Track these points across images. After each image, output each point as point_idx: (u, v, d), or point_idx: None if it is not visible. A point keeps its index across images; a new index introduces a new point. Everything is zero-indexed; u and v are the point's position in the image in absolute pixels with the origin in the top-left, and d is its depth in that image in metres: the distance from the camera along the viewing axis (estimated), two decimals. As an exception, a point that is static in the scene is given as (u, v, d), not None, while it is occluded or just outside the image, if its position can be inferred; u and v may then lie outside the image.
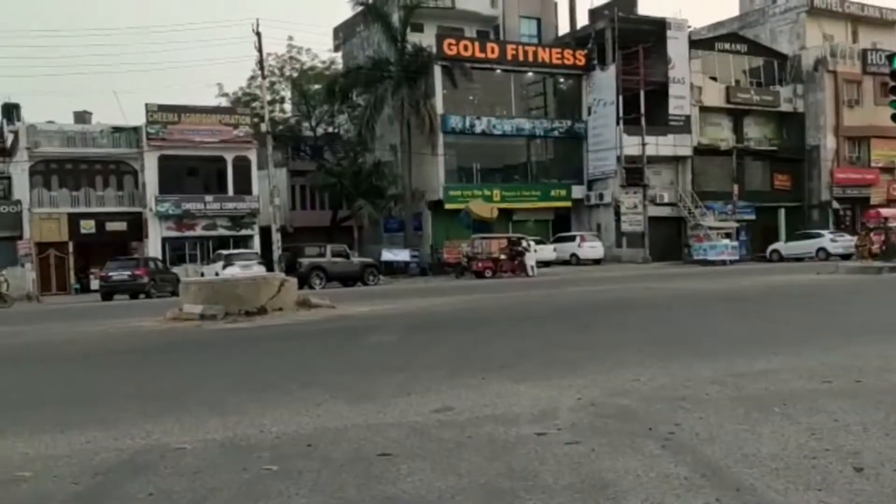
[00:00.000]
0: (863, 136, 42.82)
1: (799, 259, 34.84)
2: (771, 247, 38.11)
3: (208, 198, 37.03)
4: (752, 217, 40.33)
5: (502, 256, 29.49)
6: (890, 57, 28.13)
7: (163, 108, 36.75)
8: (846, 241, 34.63)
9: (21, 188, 36.22)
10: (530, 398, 5.79)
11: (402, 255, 35.74)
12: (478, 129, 38.42)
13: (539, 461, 4.15)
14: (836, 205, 42.72)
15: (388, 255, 35.29)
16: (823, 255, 34.23)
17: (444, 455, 4.34)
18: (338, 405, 5.84)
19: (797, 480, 3.66)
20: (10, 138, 38.39)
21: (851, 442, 4.28)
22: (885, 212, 34.25)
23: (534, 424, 4.94)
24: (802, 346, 7.98)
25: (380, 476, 4.00)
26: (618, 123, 37.65)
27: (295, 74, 44.91)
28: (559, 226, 39.88)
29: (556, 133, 40.54)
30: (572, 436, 4.62)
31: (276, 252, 31.40)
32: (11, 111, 39.68)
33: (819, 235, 36.37)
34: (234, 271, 24.55)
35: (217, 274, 24.24)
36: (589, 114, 40.33)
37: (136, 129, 37.16)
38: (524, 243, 30.10)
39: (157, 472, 4.17)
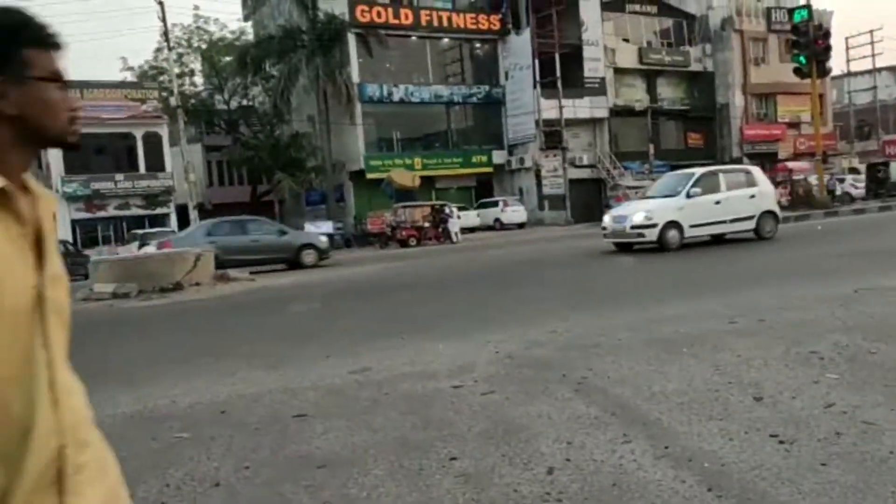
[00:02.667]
0: (769, 92, 44.30)
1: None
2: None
3: (119, 176, 35.58)
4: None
5: (426, 224, 29.46)
6: (791, 11, 29.12)
7: (65, 84, 35.02)
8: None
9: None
10: (448, 355, 5.82)
11: (326, 228, 35.24)
12: (396, 98, 38.03)
13: (454, 412, 4.18)
14: (746, 161, 44.20)
15: (311, 227, 34.77)
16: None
17: (359, 413, 4.33)
18: (255, 373, 5.74)
19: (700, 412, 3.79)
20: None
21: (753, 375, 4.46)
22: (791, 165, 35.72)
23: (451, 379, 4.97)
24: (710, 292, 8.27)
25: (295, 436, 3.96)
26: (535, 87, 37.85)
27: (204, 46, 43.36)
28: (482, 192, 40.04)
29: (474, 99, 40.51)
30: (488, 387, 4.67)
31: (194, 229, 30.55)
32: None
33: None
34: (150, 251, 23.79)
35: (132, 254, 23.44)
36: (506, 79, 40.42)
37: (36, 107, 35.33)
38: (447, 210, 30.15)
39: (60, 449, 4.02)
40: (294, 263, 18.35)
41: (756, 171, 16.18)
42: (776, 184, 35.21)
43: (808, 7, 25.89)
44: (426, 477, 3.18)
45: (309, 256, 18.59)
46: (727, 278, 9.68)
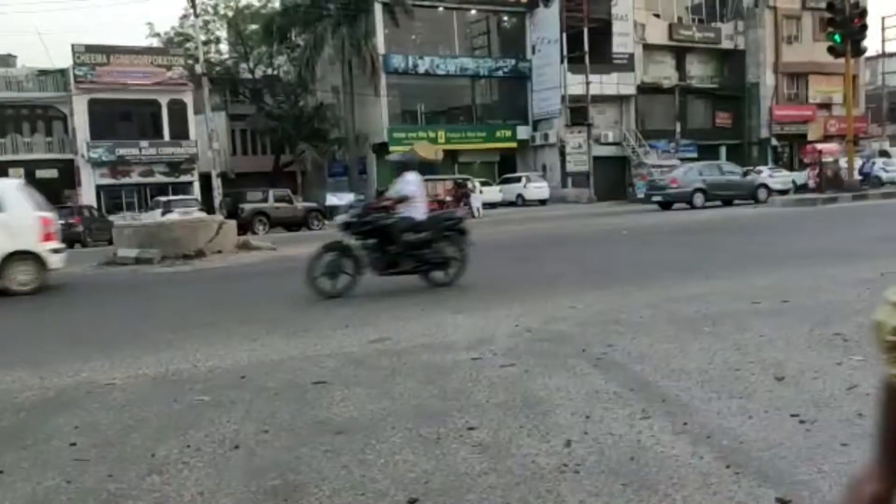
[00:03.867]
0: (801, 72, 43.45)
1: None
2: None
3: (143, 143, 35.77)
4: (695, 155, 40.77)
5: (448, 198, 29.39)
6: (827, -10, 28.40)
7: (91, 49, 35.09)
8: (784, 177, 35.42)
9: (-57, 136, 34.54)
10: (468, 327, 5.82)
11: (347, 199, 35.23)
12: (421, 69, 37.79)
13: (473, 383, 4.19)
14: (774, 141, 43.53)
15: (332, 199, 34.77)
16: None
17: (378, 381, 4.35)
18: (274, 339, 5.79)
19: (721, 390, 3.77)
20: (-72, 84, 36.35)
21: (774, 355, 4.42)
22: (821, 147, 35.09)
23: (470, 350, 4.98)
24: (735, 271, 8.18)
25: (313, 402, 3.99)
26: (562, 62, 37.41)
27: (230, 13, 43.31)
28: (505, 167, 39.83)
29: (500, 73, 40.13)
30: (507, 359, 4.67)
31: (217, 198, 30.73)
32: (-71, 55, 37.56)
33: (757, 172, 37.07)
34: (172, 218, 23.98)
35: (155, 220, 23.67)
36: (533, 53, 39.97)
37: (63, 72, 35.49)
38: (470, 185, 30.04)
39: (84, 407, 4.08)
40: (754, 199, 23.68)
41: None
42: (806, 165, 34.79)
43: (844, -16, 25.26)
44: (443, 445, 3.19)
45: (762, 194, 24.33)
46: (752, 259, 9.57)
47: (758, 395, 3.65)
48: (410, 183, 8.40)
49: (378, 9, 36.21)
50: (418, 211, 8.39)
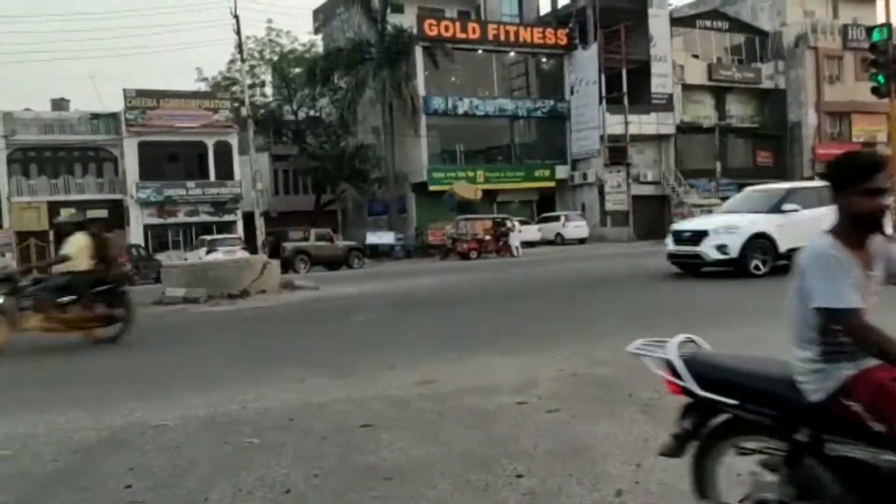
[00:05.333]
0: (844, 111, 42.97)
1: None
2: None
3: (190, 184, 36.67)
4: (736, 194, 40.53)
5: (487, 237, 29.47)
6: (870, 30, 28.18)
7: (141, 94, 36.29)
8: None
9: (-1, 177, 35.78)
10: (512, 370, 5.81)
11: (387, 238, 35.63)
12: (460, 110, 38.22)
13: (519, 428, 4.18)
14: (817, 181, 43.05)
15: (372, 238, 35.19)
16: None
17: (424, 425, 4.36)
18: (320, 381, 5.84)
19: (773, 440, 3.70)
20: (-14, 127, 37.83)
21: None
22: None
23: (515, 395, 4.97)
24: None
25: (361, 446, 4.01)
26: (600, 102, 37.56)
27: (275, 58, 44.41)
28: (543, 206, 39.84)
29: (538, 113, 40.40)
30: (553, 404, 4.65)
31: (260, 237, 31.24)
32: (-13, 99, 39.09)
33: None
34: (217, 257, 24.41)
35: (200, 259, 24.14)
36: (571, 93, 40.18)
37: (114, 116, 36.69)
38: (508, 224, 30.10)
39: (138, 448, 4.16)
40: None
41: None
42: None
43: (888, 26, 25.06)
44: (493, 493, 3.19)
45: None
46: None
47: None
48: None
49: (418, 52, 36.84)
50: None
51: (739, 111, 43.03)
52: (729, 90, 42.22)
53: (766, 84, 42.77)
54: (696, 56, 41.01)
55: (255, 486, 3.42)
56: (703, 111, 41.53)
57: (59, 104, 40.65)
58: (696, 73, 40.74)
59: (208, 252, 26.99)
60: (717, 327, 7.32)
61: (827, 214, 2.43)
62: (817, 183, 12.04)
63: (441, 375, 5.72)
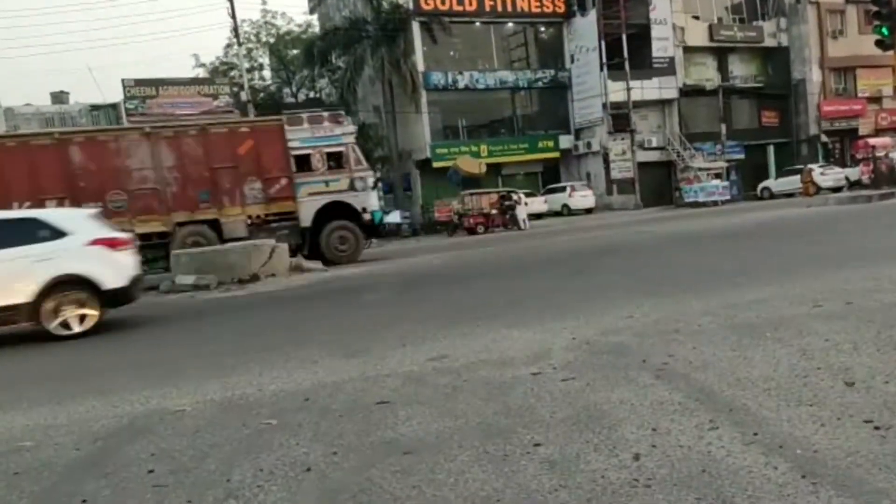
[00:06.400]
0: (848, 66, 42.48)
1: (790, 195, 34.88)
2: (761, 184, 38.05)
3: (194, 171, 36.75)
4: (742, 156, 40.19)
5: (493, 211, 29.41)
6: (871, -17, 27.80)
7: (140, 83, 36.19)
8: (836, 174, 34.64)
9: (4, 173, 35.81)
10: (524, 342, 5.83)
11: (393, 217, 35.62)
12: (461, 85, 38.01)
13: (535, 398, 4.19)
14: (824, 138, 42.56)
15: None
16: (815, 188, 34.17)
17: (440, 399, 4.38)
18: (334, 361, 5.87)
19: (789, 398, 3.71)
20: (-12, 123, 37.88)
21: (842, 359, 4.34)
22: (873, 141, 34.22)
23: (529, 365, 4.98)
24: (793, 275, 8.03)
25: (378, 423, 4.04)
26: (601, 70, 37.25)
27: (272, 40, 44.25)
28: (549, 177, 39.73)
29: (539, 84, 40.12)
30: (567, 373, 4.66)
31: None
32: (-13, 96, 39.12)
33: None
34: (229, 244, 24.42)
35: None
36: (572, 62, 39.87)
37: (114, 106, 36.66)
38: (515, 197, 30.01)
39: (158, 434, 4.21)
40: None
41: None
42: (857, 161, 33.91)
43: (890, -25, 24.70)
44: (511, 463, 3.21)
45: None
46: (808, 261, 9.37)
47: (828, 402, 3.59)
48: None
49: (416, 27, 36.55)
50: None
51: (742, 71, 42.59)
52: (731, 50, 41.78)
53: (769, 42, 42.29)
54: (696, 17, 40.54)
55: (275, 466, 3.45)
56: (706, 73, 41.14)
57: (59, 97, 40.67)
58: (697, 35, 40.29)
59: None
60: (729, 288, 7.32)
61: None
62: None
63: (454, 350, 5.74)
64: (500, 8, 38.28)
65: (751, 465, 2.91)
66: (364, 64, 37.08)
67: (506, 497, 2.86)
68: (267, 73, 45.85)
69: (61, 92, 41.01)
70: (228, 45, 41.46)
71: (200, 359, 6.63)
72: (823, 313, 5.69)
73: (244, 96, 33.22)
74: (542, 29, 40.93)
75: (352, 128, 19.32)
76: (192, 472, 3.49)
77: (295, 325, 8.55)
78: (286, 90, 44.07)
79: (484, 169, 33.56)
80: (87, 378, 6.32)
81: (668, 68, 38.93)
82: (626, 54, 36.51)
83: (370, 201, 18.66)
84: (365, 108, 39.91)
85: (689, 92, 39.70)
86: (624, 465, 3.05)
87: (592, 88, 38.19)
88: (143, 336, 9.04)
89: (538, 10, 39.32)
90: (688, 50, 40.10)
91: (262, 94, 42.28)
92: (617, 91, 37.16)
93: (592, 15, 37.83)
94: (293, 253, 16.06)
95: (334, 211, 18.04)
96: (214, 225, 17.07)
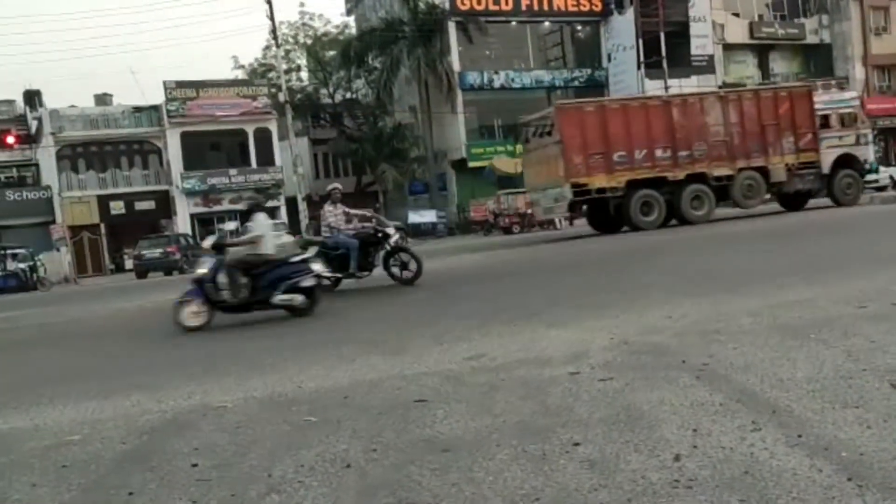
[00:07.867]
0: (892, 63, 41.58)
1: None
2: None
3: (232, 171, 37.24)
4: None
5: (529, 211, 29.37)
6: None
7: (181, 85, 36.88)
8: (881, 173, 33.89)
9: (49, 173, 36.76)
10: (562, 341, 5.81)
11: (429, 217, 35.77)
12: (496, 84, 38.00)
13: (573, 398, 4.18)
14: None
15: (414, 217, 35.34)
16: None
17: (478, 398, 4.39)
18: (372, 359, 5.91)
19: (834, 400, 3.65)
20: (34, 125, 38.84)
21: (889, 361, 4.24)
22: (919, 140, 33.36)
23: (567, 365, 4.96)
24: (837, 275, 7.87)
25: (417, 420, 4.06)
26: (639, 68, 36.96)
27: (309, 41, 44.67)
28: (585, 177, 39.56)
29: (576, 83, 39.92)
30: (606, 373, 4.64)
31: (304, 221, 31.57)
32: (33, 98, 39.99)
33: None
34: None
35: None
36: (609, 60, 39.64)
37: (156, 108, 37.39)
38: (550, 196, 29.90)
39: (201, 429, 4.28)
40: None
41: None
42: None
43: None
44: (550, 462, 3.20)
45: None
46: (853, 260, 9.19)
47: (874, 404, 3.52)
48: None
49: (452, 27, 36.64)
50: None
51: (784, 69, 41.92)
52: (772, 48, 41.14)
53: (811, 39, 41.54)
54: (736, 14, 39.99)
55: (315, 462, 3.49)
56: (746, 71, 40.58)
57: (102, 99, 41.49)
58: (737, 32, 39.76)
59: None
60: (768, 290, 7.21)
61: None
62: None
63: (491, 349, 5.75)
64: (536, 7, 38.20)
65: (795, 467, 2.87)
66: (400, 64, 37.28)
67: (545, 495, 2.86)
68: (304, 74, 46.36)
69: (104, 94, 41.86)
70: (267, 47, 42.07)
71: (241, 357, 6.74)
72: (868, 314, 5.58)
73: (282, 97, 33.59)
74: (579, 28, 40.73)
75: (855, 93, 24.63)
76: (234, 466, 3.55)
77: (332, 324, 8.63)
78: (323, 91, 44.44)
79: (520, 169, 33.49)
80: (129, 374, 6.46)
81: (708, 66, 38.48)
82: (664, 52, 36.15)
83: (869, 154, 22.67)
84: (401, 108, 40.13)
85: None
86: (664, 465, 3.03)
87: (630, 87, 37.87)
88: (182, 335, 9.18)
89: (575, 8, 39.15)
90: (728, 47, 39.60)
91: (299, 96, 42.71)
92: (655, 89, 36.75)
93: (630, 13, 37.54)
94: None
95: (842, 161, 21.64)
96: (763, 171, 20.80)
